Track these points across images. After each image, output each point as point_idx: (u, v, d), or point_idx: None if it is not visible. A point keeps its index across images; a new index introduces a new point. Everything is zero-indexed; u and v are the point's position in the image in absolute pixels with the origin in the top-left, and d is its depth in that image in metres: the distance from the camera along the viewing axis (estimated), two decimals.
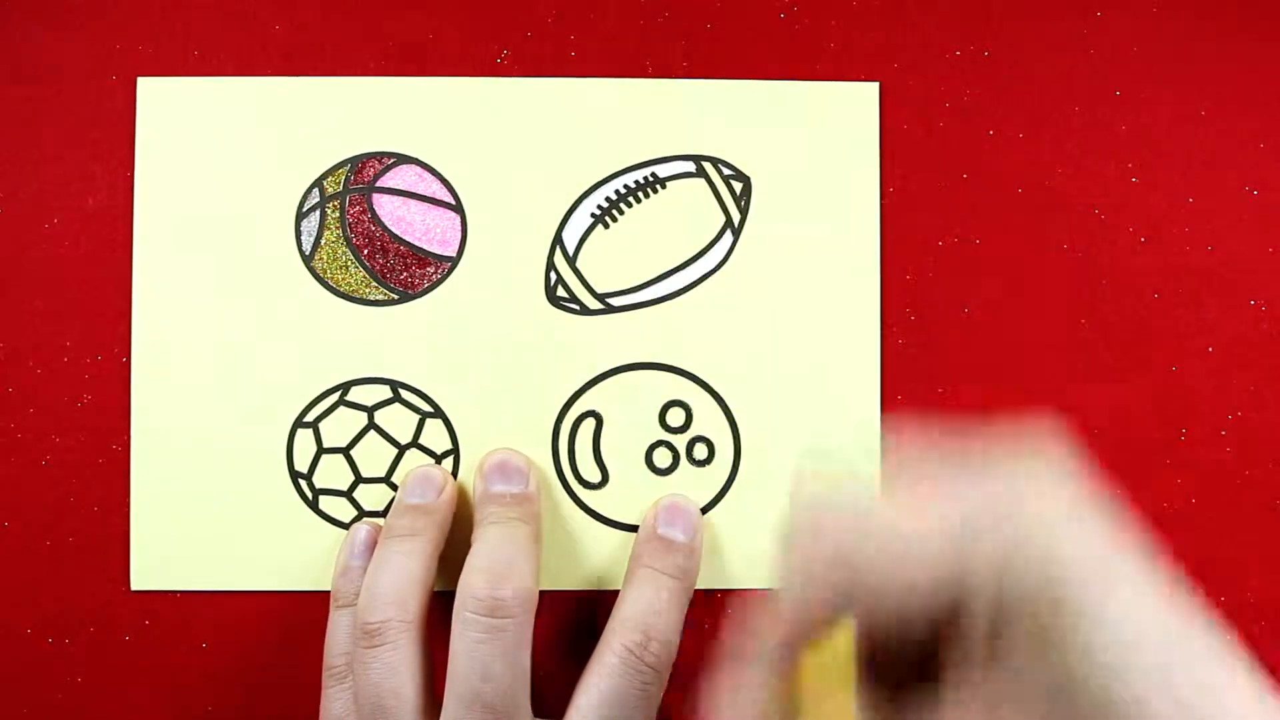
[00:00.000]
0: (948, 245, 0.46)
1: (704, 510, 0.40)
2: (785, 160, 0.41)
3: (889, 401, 0.44)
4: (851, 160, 0.42)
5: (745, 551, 0.40)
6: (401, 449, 0.40)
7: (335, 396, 0.40)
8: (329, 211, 0.40)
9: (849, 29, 0.47)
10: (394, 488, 0.40)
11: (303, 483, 0.40)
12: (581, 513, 0.40)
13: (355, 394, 0.40)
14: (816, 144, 0.42)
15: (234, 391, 0.40)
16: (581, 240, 0.40)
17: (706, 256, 0.40)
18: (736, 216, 0.40)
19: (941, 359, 0.45)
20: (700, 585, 0.40)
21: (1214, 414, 0.47)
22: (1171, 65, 0.47)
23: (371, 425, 0.40)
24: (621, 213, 0.40)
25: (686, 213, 0.40)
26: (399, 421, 0.40)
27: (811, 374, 0.40)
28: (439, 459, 0.40)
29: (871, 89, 0.43)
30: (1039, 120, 0.47)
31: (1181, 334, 0.47)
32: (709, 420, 0.40)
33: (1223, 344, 0.47)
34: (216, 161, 0.40)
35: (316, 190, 0.40)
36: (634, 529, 0.40)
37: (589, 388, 0.40)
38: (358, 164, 0.40)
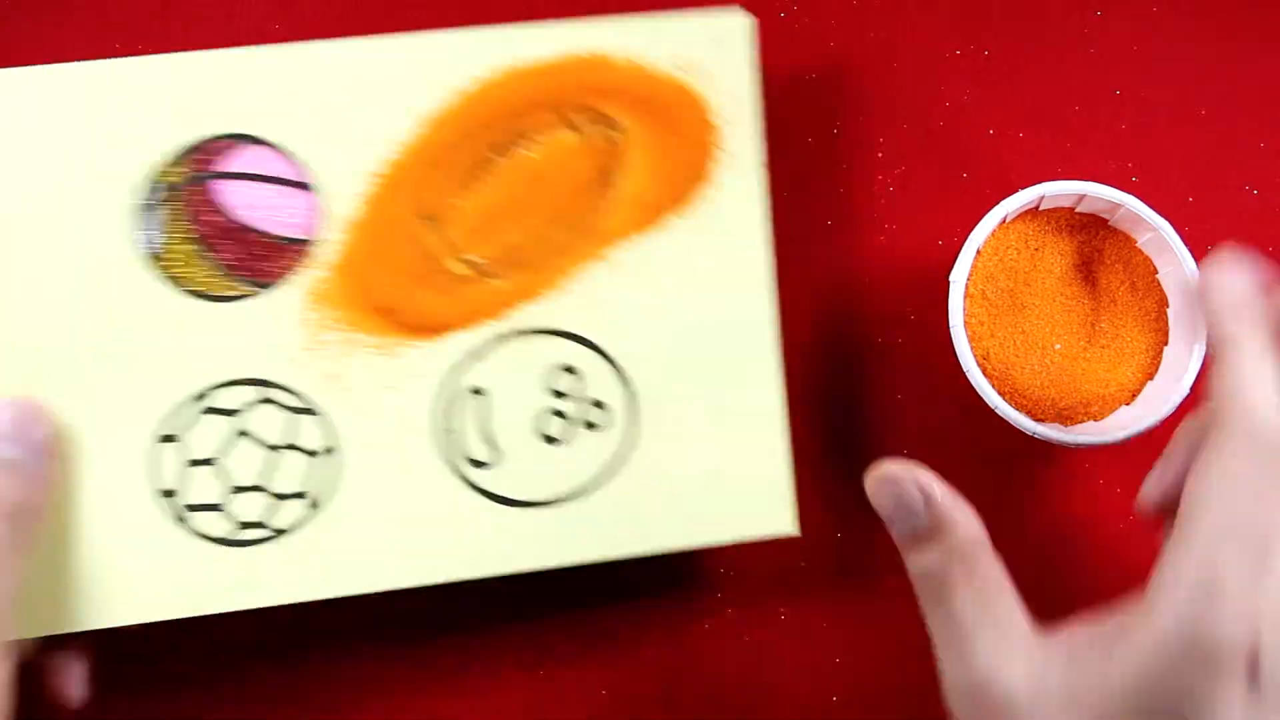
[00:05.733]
0: (948, 245, 0.46)
1: (605, 476, 0.38)
2: (655, 102, 0.38)
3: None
4: (728, 95, 0.38)
5: (654, 515, 0.38)
6: (276, 449, 0.37)
7: (197, 404, 0.36)
8: (172, 205, 0.36)
9: (849, 29, 0.47)
10: (273, 495, 0.37)
11: (169, 501, 0.36)
12: (474, 494, 0.37)
13: (219, 398, 0.36)
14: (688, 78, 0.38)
15: (87, 409, 0.36)
16: (443, 208, 0.37)
17: (578, 213, 0.38)
18: (609, 165, 0.38)
19: (941, 358, 0.45)
20: (609, 555, 0.38)
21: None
22: (1171, 65, 0.47)
23: (240, 431, 0.36)
24: (486, 172, 0.38)
25: (557, 166, 0.38)
26: (270, 422, 0.36)
27: (706, 323, 0.38)
28: (317, 456, 0.37)
29: (738, 18, 0.38)
30: (1039, 120, 0.47)
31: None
32: (601, 382, 0.37)
33: None
34: (44, 159, 0.36)
35: (156, 186, 0.36)
36: (530, 505, 0.37)
37: (466, 364, 0.37)
38: (197, 150, 0.36)
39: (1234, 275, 0.32)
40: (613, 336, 0.38)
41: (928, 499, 0.31)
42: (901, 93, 0.47)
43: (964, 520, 0.30)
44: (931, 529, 0.30)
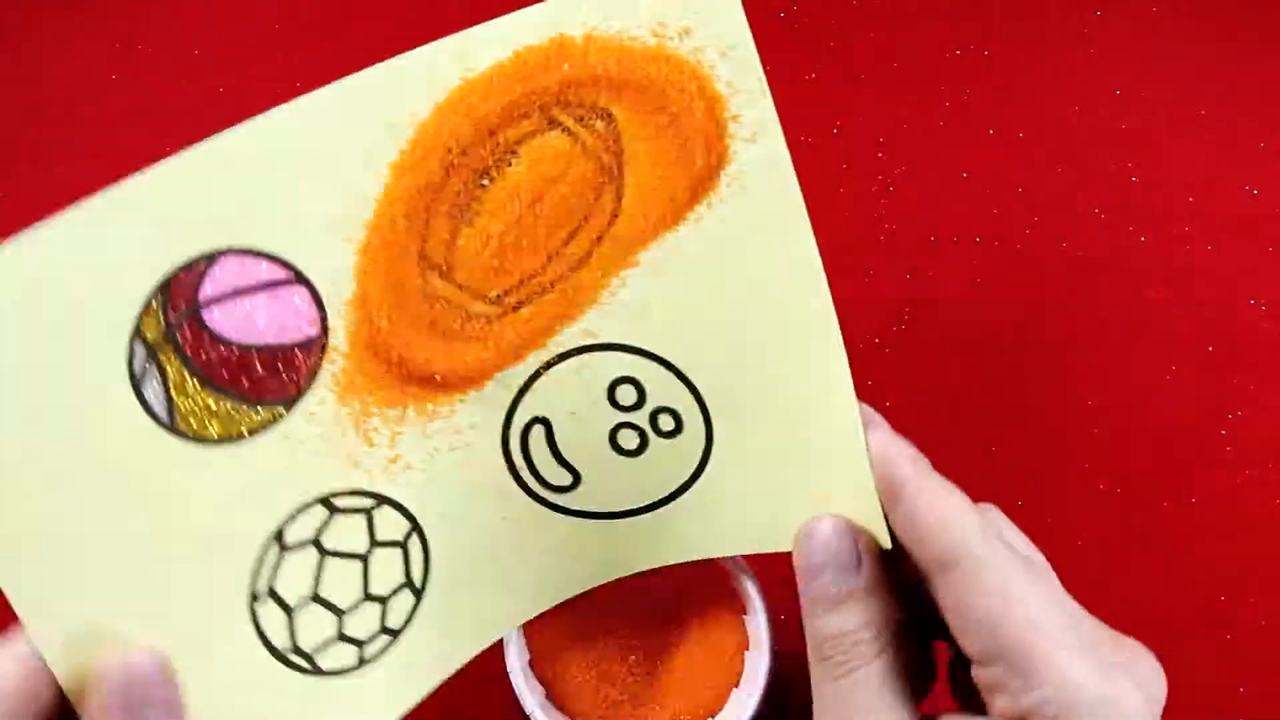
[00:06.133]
0: (948, 245, 0.46)
1: (690, 481, 0.36)
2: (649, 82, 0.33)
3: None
4: (722, 60, 0.33)
5: (744, 514, 0.36)
6: (365, 557, 0.34)
7: (274, 550, 0.33)
8: (164, 362, 0.32)
9: (849, 29, 0.47)
10: (378, 599, 0.35)
11: (296, 657, 0.33)
12: (565, 517, 0.36)
13: (291, 534, 0.33)
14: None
15: (167, 602, 0.32)
16: (447, 246, 0.34)
17: (593, 222, 0.34)
18: (611, 162, 0.33)
19: (941, 359, 0.45)
20: (706, 555, 0.38)
21: (1214, 414, 0.47)
22: (1171, 65, 0.47)
23: (324, 554, 0.34)
24: (480, 202, 0.34)
25: (553, 173, 0.33)
26: (348, 531, 0.34)
27: (763, 318, 0.35)
28: (403, 543, 0.35)
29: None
30: (1039, 120, 0.47)
31: (1181, 334, 0.47)
32: (663, 390, 0.35)
33: (1223, 344, 0.47)
34: (22, 350, 0.31)
35: (139, 346, 0.32)
36: (619, 515, 0.37)
37: (520, 398, 0.35)
38: (168, 287, 0.32)
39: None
40: (664, 340, 0.35)
41: (862, 557, 0.29)
42: (901, 93, 0.47)
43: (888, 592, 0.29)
44: (857, 593, 0.29)
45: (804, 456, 0.35)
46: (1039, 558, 0.29)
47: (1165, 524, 0.46)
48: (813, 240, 0.35)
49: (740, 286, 0.35)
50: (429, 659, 0.36)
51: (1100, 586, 0.45)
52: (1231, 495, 0.46)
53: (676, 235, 0.35)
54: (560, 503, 0.36)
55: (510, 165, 0.34)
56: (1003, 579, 0.25)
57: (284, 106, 0.33)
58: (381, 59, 0.44)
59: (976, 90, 0.47)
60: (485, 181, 0.34)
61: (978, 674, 0.26)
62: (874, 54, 0.47)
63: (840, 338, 0.35)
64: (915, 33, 0.47)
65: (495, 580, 0.36)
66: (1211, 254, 0.47)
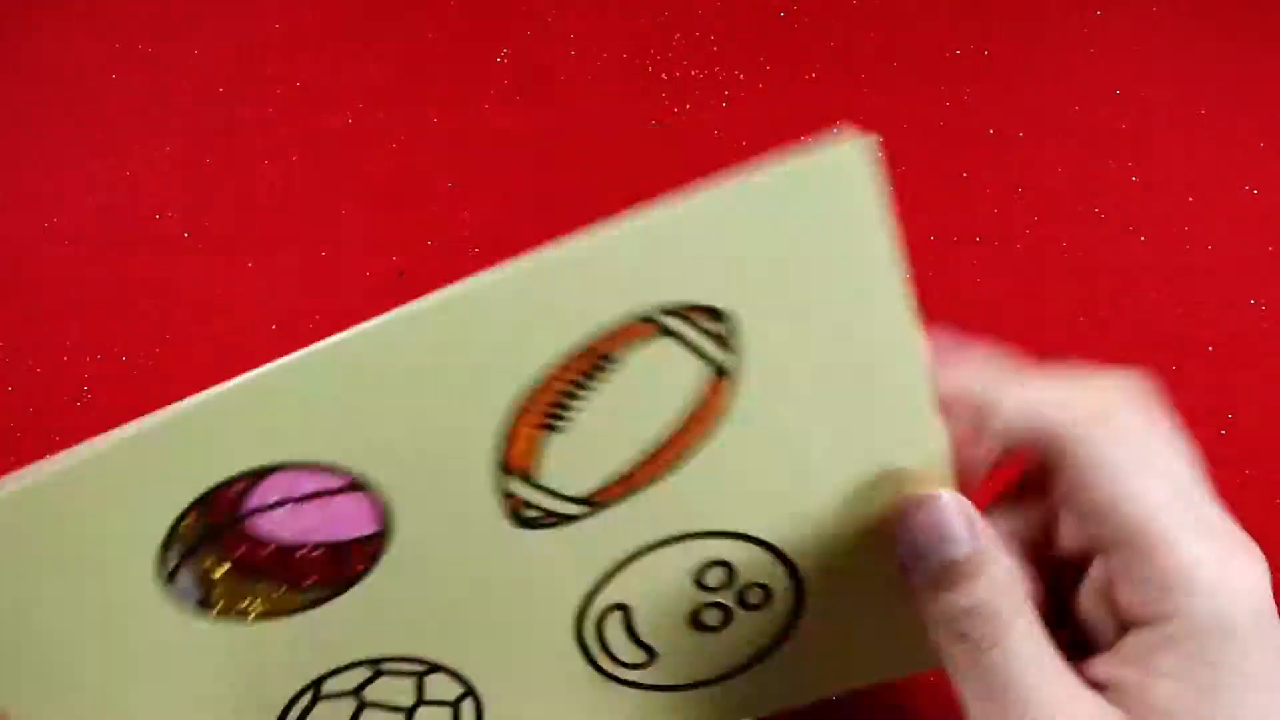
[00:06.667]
0: (948, 245, 0.46)
1: (773, 646, 0.35)
2: (771, 277, 0.30)
3: None
4: (851, 245, 0.30)
5: (825, 666, 0.36)
6: (410, 711, 0.33)
7: (309, 696, 0.32)
8: (202, 560, 0.31)
9: (849, 29, 0.47)
10: None
11: None
12: (636, 691, 0.34)
13: (330, 685, 0.32)
14: (802, 241, 0.30)
15: None
16: (536, 455, 0.31)
17: (697, 415, 0.32)
18: (725, 358, 0.31)
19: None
20: (800, 700, 0.36)
21: (1214, 414, 0.47)
22: (1171, 65, 0.47)
23: (363, 705, 0.33)
24: (570, 409, 0.31)
25: (658, 377, 0.31)
26: (394, 688, 0.33)
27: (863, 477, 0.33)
28: (455, 705, 0.34)
29: (857, 150, 0.28)
30: (1039, 120, 0.47)
31: (1181, 334, 0.47)
32: (755, 567, 0.33)
33: (1223, 344, 0.47)
34: (54, 569, 0.31)
35: (174, 548, 0.31)
36: (699, 685, 0.35)
37: (600, 589, 0.33)
38: (209, 502, 0.31)
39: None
40: (752, 516, 0.33)
41: (971, 523, 0.27)
42: (901, 93, 0.47)
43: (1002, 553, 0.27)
44: (978, 560, 0.26)
45: (891, 632, 0.34)
46: (1171, 431, 0.28)
47: None
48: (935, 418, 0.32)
49: (838, 451, 0.32)
50: None
51: None
52: (1231, 495, 0.46)
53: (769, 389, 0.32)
54: (631, 679, 0.35)
55: (609, 370, 0.31)
56: (1118, 461, 0.26)
57: (343, 336, 0.30)
58: (381, 58, 0.43)
59: (976, 90, 0.47)
60: (582, 392, 0.31)
61: (1093, 574, 0.26)
62: (874, 54, 0.47)
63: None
64: (915, 33, 0.47)
65: None
66: (1211, 254, 0.47)
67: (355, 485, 0.31)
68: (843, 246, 0.30)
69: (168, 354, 0.44)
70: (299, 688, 0.33)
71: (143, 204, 0.45)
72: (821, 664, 0.35)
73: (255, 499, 0.31)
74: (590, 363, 0.31)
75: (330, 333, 0.28)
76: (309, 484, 0.31)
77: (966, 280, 0.46)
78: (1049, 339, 0.47)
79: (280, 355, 0.28)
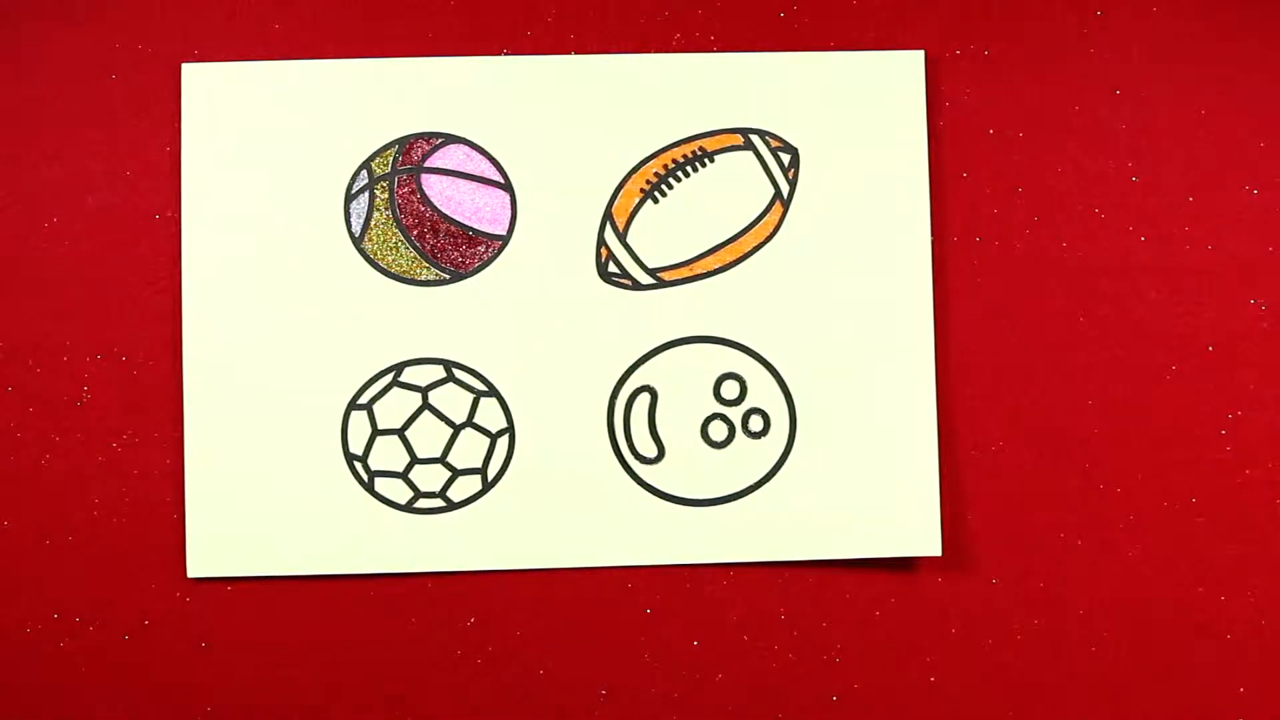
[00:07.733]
0: (947, 244, 0.46)
1: (761, 482, 0.40)
2: (832, 131, 0.42)
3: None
4: (898, 129, 0.43)
5: (803, 524, 0.40)
6: (457, 429, 0.40)
7: (389, 378, 0.40)
8: (378, 193, 0.40)
9: (850, 29, 0.47)
10: (450, 468, 0.40)
11: (358, 465, 0.40)
12: (637, 487, 0.40)
13: (409, 375, 0.40)
14: (862, 113, 0.42)
15: (286, 376, 0.40)
16: (632, 216, 0.40)
17: (757, 228, 0.41)
18: (786, 188, 0.41)
19: (940, 359, 0.45)
20: (760, 558, 0.40)
21: (1214, 414, 0.47)
22: (1171, 65, 0.47)
23: (426, 406, 0.40)
24: (671, 187, 0.40)
25: (735, 186, 0.41)
26: (453, 401, 0.40)
27: (866, 344, 0.41)
28: (494, 437, 0.40)
29: (916, 57, 0.43)
30: (1039, 120, 0.47)
31: (1181, 334, 0.47)
32: (764, 392, 0.40)
33: (1223, 344, 0.47)
34: (262, 146, 0.40)
35: (365, 172, 0.40)
36: (689, 503, 0.40)
37: (642, 363, 0.40)
38: (405, 145, 0.41)
39: None
40: (777, 345, 0.40)
41: None
42: None
43: None
44: None
45: (874, 468, 0.40)
46: None
47: (1165, 524, 0.46)
48: (929, 281, 0.44)
49: (857, 301, 0.42)
50: (470, 547, 0.41)
51: (1101, 586, 0.45)
52: (1231, 495, 0.46)
53: (815, 233, 0.42)
54: (639, 473, 0.40)
55: (705, 166, 0.42)
56: None
57: (571, 58, 0.42)
58: (381, 58, 0.44)
59: (976, 90, 0.47)
60: (682, 175, 0.41)
61: None
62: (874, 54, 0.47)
63: (933, 383, 0.42)
64: (915, 33, 0.47)
65: (555, 515, 0.41)
66: (1211, 254, 0.47)
67: (505, 186, 0.41)
68: (889, 128, 0.43)
69: (168, 354, 0.44)
70: (385, 364, 0.40)
71: (143, 204, 0.45)
72: (803, 517, 0.41)
73: (436, 157, 0.41)
74: (692, 152, 0.41)
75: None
76: (476, 165, 0.41)
77: (967, 280, 0.46)
78: (1049, 339, 0.47)
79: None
